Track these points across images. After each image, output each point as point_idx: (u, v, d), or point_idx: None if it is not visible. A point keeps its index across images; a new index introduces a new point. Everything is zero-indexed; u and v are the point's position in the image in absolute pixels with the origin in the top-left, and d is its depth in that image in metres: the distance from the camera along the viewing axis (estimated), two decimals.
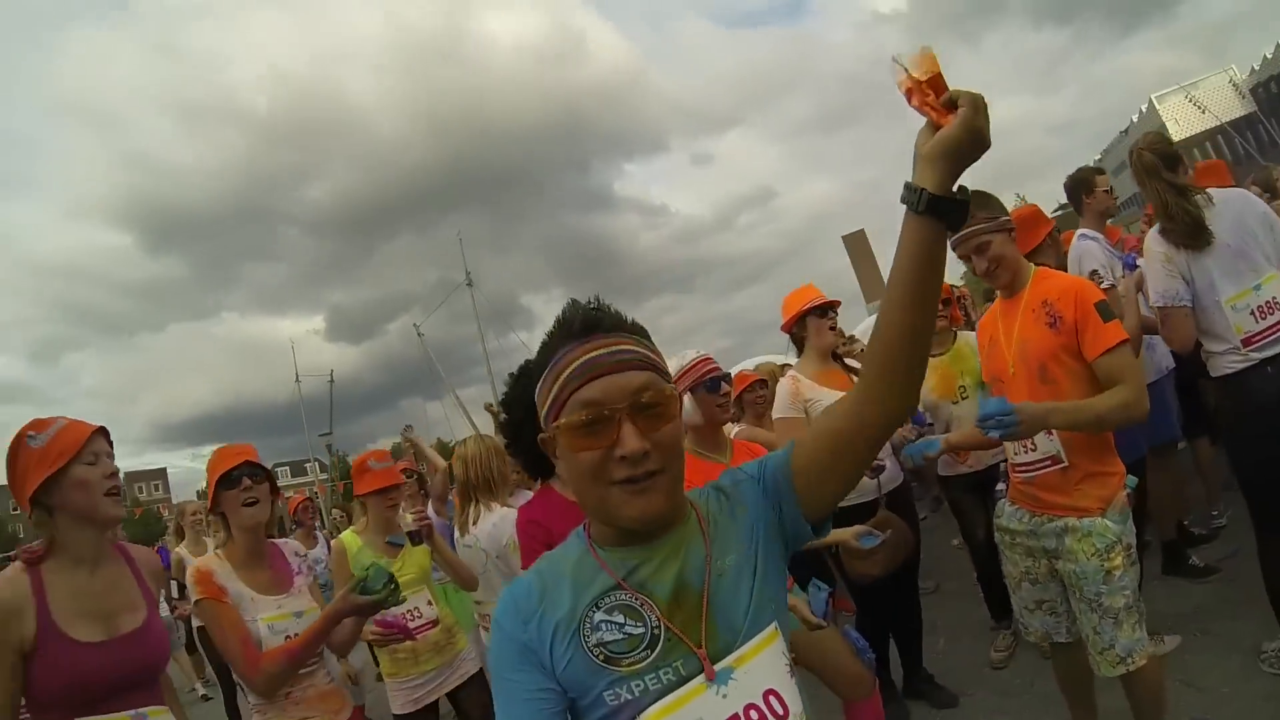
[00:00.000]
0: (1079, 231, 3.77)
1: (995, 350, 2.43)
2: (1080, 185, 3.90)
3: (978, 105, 0.98)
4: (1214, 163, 4.53)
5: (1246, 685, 2.72)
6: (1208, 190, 2.64)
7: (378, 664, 3.32)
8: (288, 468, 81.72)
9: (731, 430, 3.83)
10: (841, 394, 3.00)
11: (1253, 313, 2.53)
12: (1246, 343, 2.55)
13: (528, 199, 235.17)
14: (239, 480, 2.29)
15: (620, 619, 1.01)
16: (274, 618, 2.22)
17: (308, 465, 70.35)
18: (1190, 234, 2.58)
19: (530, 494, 3.82)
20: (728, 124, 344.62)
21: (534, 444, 2.04)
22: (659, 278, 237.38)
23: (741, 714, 0.98)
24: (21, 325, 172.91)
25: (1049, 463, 2.27)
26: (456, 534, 3.30)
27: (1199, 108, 56.40)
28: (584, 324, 1.06)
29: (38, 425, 1.88)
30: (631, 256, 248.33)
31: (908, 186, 1.02)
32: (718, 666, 0.99)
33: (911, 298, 1.02)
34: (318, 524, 7.18)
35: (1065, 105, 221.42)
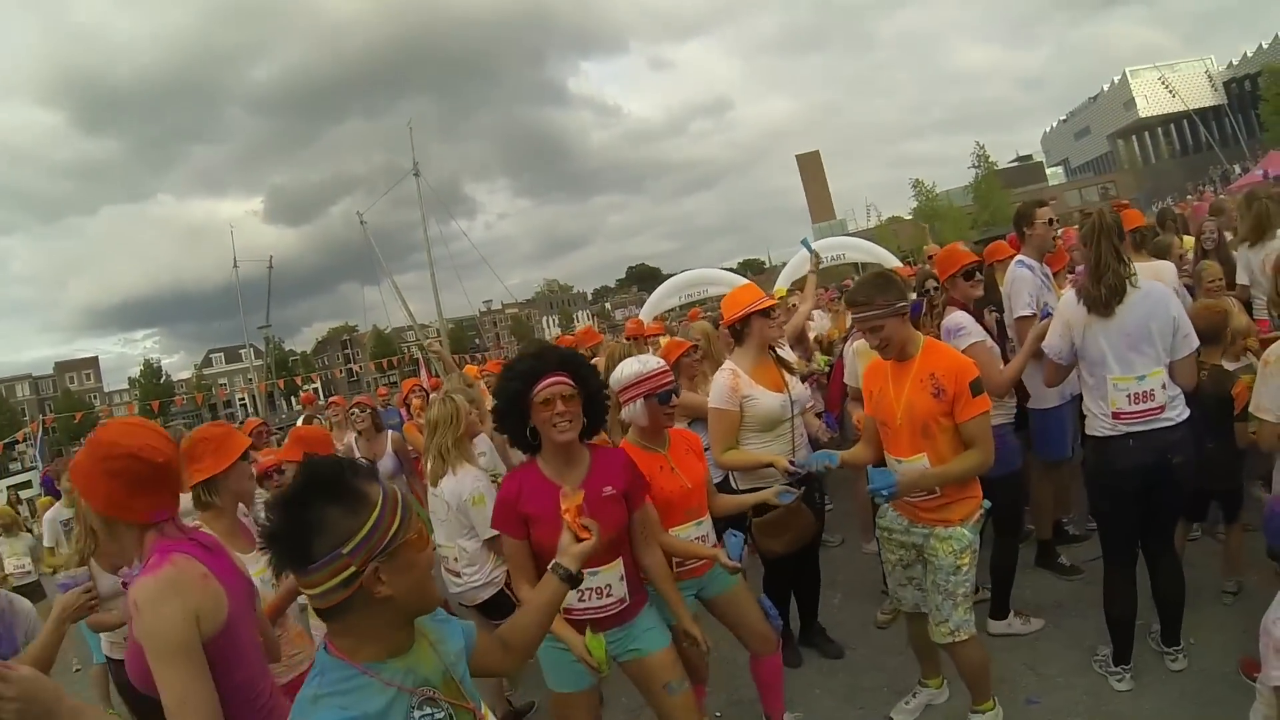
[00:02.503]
0: (1017, 258, 4.06)
1: (884, 401, 2.89)
2: (1022, 218, 4.13)
3: (577, 554, 1.75)
4: (1130, 211, 4.78)
5: (1078, 678, 3.21)
6: (1136, 273, 2.92)
7: None
8: (222, 354, 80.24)
9: None
10: (776, 393, 3.33)
11: (1129, 396, 2.89)
12: (1115, 416, 2.92)
13: (479, 88, 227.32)
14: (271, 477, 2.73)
15: (429, 711, 1.33)
16: (259, 571, 2.41)
17: (242, 351, 69.35)
18: (1104, 301, 2.88)
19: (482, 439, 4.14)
20: (691, 32, 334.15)
21: (517, 428, 2.44)
22: (607, 176, 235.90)
23: None
24: None
25: (926, 494, 2.86)
26: (429, 485, 3.62)
27: (1169, 90, 57.34)
28: (372, 468, 1.36)
29: None
30: (582, 153, 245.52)
31: (556, 565, 1.73)
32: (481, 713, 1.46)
33: (542, 625, 1.74)
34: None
35: (1037, 62, 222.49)
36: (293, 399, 56.49)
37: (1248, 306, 4.52)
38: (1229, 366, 3.48)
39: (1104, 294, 2.88)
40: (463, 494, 3.39)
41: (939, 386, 2.71)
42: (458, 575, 3.51)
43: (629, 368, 2.86)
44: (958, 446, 2.76)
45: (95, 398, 71.35)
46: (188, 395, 48.02)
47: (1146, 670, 3.12)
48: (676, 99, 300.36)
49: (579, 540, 1.77)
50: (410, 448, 5.30)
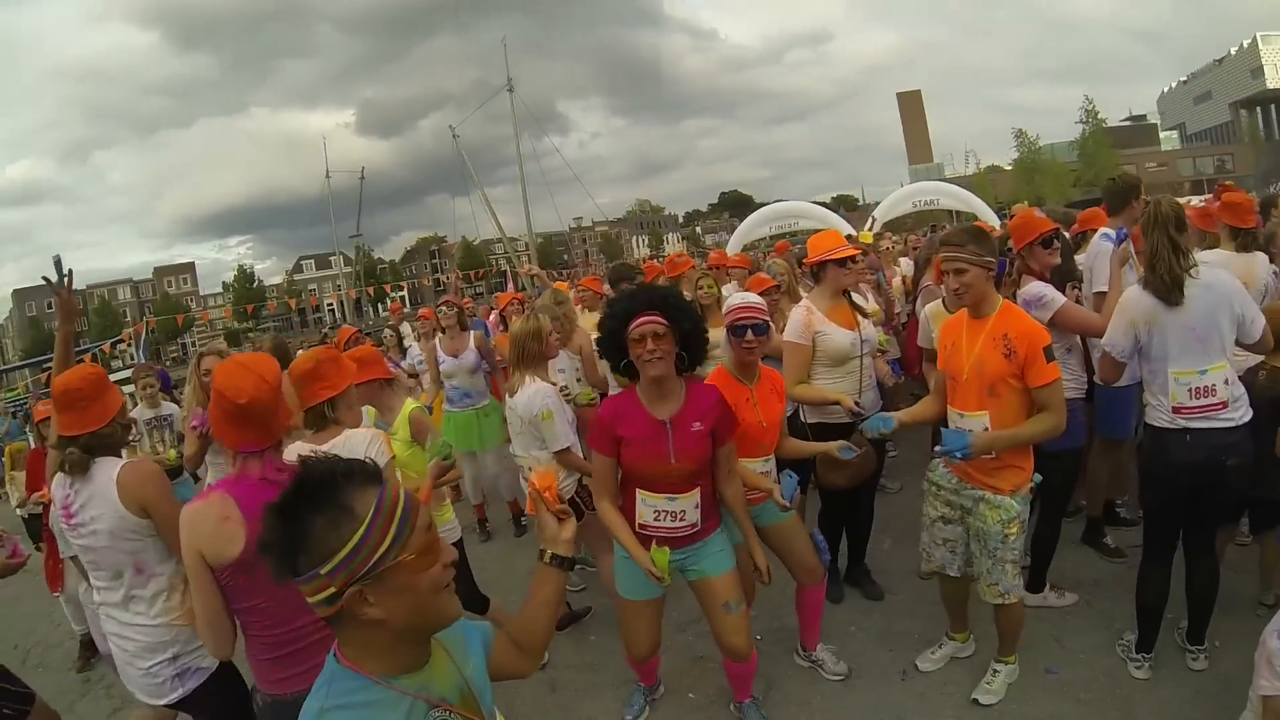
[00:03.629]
0: (1103, 230, 4.06)
1: (956, 356, 2.99)
2: (1131, 190, 4.16)
3: (568, 539, 1.68)
4: (1241, 199, 4.19)
5: (1100, 658, 3.32)
6: (1198, 265, 2.91)
7: None
8: (313, 261, 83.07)
9: None
10: (847, 330, 3.51)
11: (1190, 390, 2.88)
12: (1175, 410, 2.91)
13: (574, 6, 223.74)
14: None
15: None
16: None
17: (332, 259, 71.70)
18: (1166, 289, 2.87)
19: (562, 357, 4.55)
20: None
21: (617, 360, 2.71)
22: (701, 101, 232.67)
23: None
24: (50, 127, 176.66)
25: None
26: (507, 396, 3.88)
27: None
28: (375, 469, 1.21)
29: None
30: (675, 76, 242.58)
31: (550, 555, 1.65)
32: None
33: (550, 620, 1.67)
34: None
35: (1158, 13, 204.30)
36: (379, 306, 58.54)
37: None
38: None
39: (1164, 283, 2.88)
40: (534, 408, 3.61)
41: (1010, 348, 2.79)
42: None
43: (730, 301, 3.21)
44: (1020, 409, 2.84)
45: (191, 301, 75.12)
46: (279, 300, 50.12)
47: (1167, 663, 3.19)
48: (774, 27, 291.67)
49: (559, 521, 1.69)
50: (499, 358, 5.49)
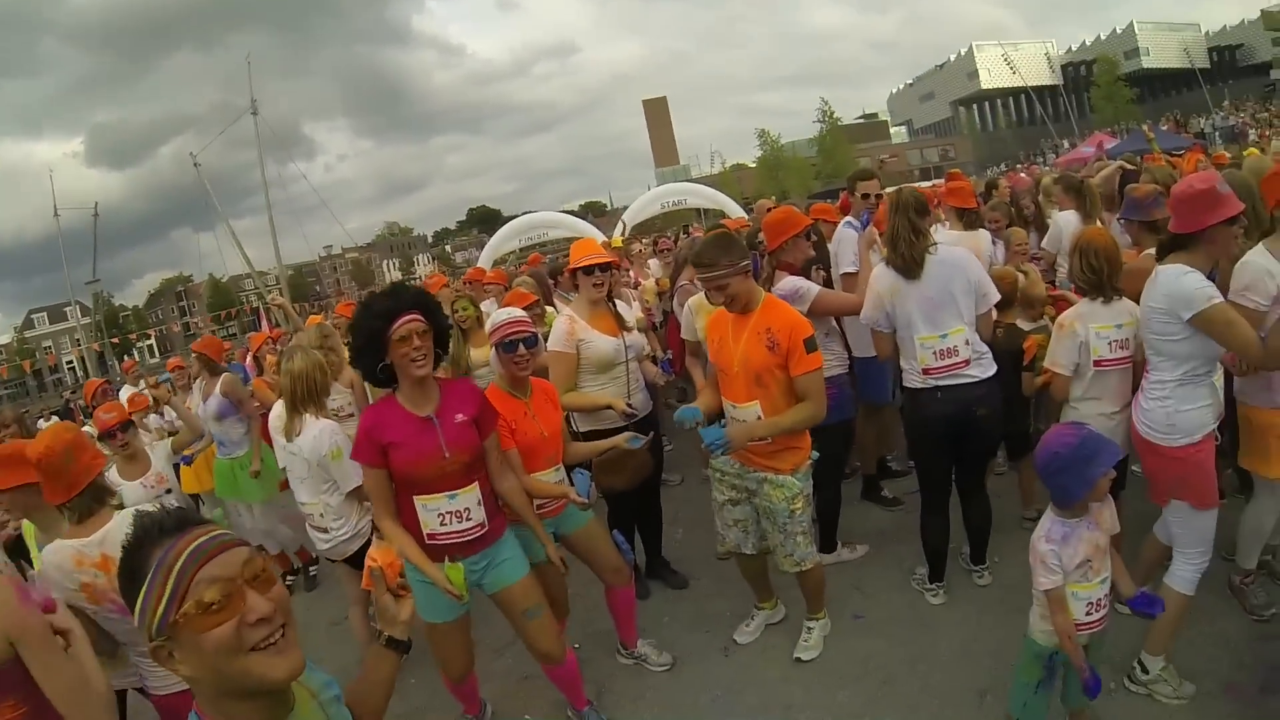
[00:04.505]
0: (844, 220, 4.50)
1: (724, 350, 3.11)
2: (849, 183, 4.67)
3: (406, 620, 1.58)
4: (963, 184, 5.07)
5: (898, 595, 3.68)
6: (938, 244, 3.27)
7: None
8: (45, 314, 72.28)
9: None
10: (610, 337, 3.60)
11: (934, 353, 3.21)
12: (925, 371, 3.25)
13: (321, 22, 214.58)
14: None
15: None
16: None
17: (67, 310, 62.61)
18: (906, 268, 3.22)
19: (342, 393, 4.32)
20: None
21: (372, 364, 2.54)
22: (448, 117, 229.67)
23: None
24: None
25: (759, 439, 3.04)
26: (281, 439, 3.58)
27: (1011, 67, 61.25)
28: (177, 520, 1.12)
29: None
30: (423, 93, 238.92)
31: (386, 639, 1.56)
32: None
33: (384, 701, 1.57)
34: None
35: (890, 26, 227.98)
36: (126, 358, 52.07)
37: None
38: (1025, 326, 3.87)
39: (902, 261, 3.22)
40: (321, 449, 3.40)
41: (774, 340, 2.93)
42: (325, 531, 3.53)
43: (496, 318, 3.12)
44: (789, 396, 2.99)
45: None
46: (10, 363, 43.02)
47: (957, 585, 3.62)
48: (521, 40, 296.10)
49: (397, 599, 1.59)
50: (258, 404, 5.11)
